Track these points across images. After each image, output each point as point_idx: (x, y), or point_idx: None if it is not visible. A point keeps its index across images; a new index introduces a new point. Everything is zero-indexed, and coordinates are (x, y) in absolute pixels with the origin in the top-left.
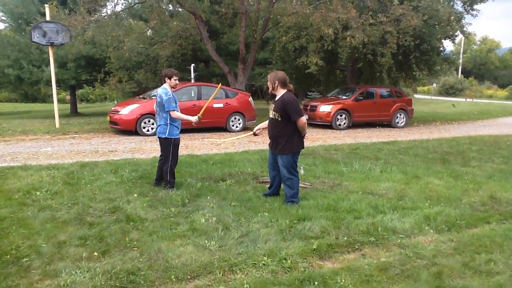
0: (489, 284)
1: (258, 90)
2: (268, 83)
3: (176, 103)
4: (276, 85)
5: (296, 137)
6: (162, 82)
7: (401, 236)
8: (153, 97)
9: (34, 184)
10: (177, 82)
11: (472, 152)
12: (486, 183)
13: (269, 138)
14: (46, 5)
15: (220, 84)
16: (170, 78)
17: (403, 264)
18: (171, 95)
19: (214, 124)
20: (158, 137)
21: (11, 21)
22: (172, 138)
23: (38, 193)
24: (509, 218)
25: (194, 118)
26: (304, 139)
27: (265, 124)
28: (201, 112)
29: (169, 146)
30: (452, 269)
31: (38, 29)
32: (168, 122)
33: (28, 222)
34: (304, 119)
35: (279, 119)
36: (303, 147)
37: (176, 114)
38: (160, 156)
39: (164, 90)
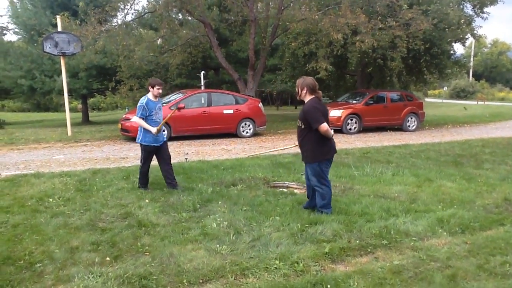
0: (505, 287)
1: (268, 96)
2: (296, 89)
3: (151, 111)
4: (304, 91)
5: (321, 144)
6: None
7: (414, 239)
8: (164, 105)
9: (46, 191)
10: (160, 91)
11: (485, 154)
12: (499, 185)
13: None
14: (57, 16)
15: (175, 110)
16: (153, 87)
17: (417, 267)
18: (143, 103)
19: (224, 130)
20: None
21: (24, 32)
22: (143, 144)
23: (50, 199)
24: None
25: (153, 129)
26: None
27: None
28: (160, 125)
29: (142, 151)
30: (466, 272)
31: (50, 40)
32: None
33: (41, 228)
34: (324, 125)
35: (303, 127)
36: (331, 155)
37: (136, 119)
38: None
39: (142, 99)
